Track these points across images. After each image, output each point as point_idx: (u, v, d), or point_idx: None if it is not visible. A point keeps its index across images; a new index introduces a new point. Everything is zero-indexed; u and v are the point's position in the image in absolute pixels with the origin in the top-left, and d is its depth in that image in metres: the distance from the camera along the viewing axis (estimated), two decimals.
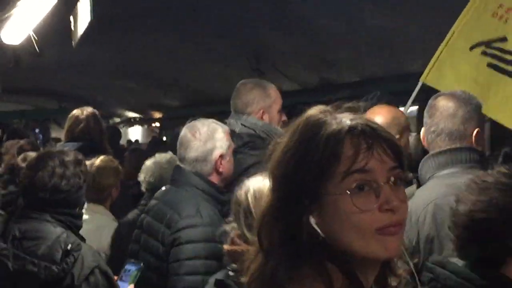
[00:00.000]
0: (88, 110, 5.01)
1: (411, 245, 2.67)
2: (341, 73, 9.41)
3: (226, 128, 3.39)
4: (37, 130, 19.61)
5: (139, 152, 7.11)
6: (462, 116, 2.89)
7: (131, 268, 3.41)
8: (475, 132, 2.90)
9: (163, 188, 3.49)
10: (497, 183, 2.09)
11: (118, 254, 3.60)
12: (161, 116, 17.05)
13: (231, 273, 2.38)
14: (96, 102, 14.58)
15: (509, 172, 2.14)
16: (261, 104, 3.66)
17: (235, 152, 3.39)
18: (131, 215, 3.56)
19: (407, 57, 7.64)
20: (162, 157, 4.38)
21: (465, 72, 3.96)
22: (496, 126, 3.76)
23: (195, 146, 3.27)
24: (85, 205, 4.39)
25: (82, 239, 3.30)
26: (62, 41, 6.95)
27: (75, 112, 4.99)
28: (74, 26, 6.08)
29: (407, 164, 1.45)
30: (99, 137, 4.99)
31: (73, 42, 6.26)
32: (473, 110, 2.93)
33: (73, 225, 3.26)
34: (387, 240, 1.36)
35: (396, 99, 4.13)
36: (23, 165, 3.78)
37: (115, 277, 3.33)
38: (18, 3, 5.79)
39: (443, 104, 2.94)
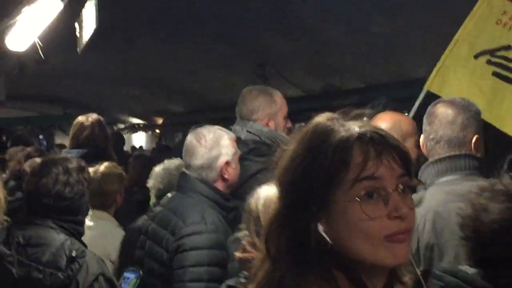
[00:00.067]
0: (93, 116, 5.01)
1: (411, 253, 2.66)
2: (345, 80, 9.41)
3: (232, 135, 3.39)
4: (41, 137, 19.67)
5: (144, 159, 7.12)
6: (461, 123, 2.89)
7: (130, 276, 3.41)
8: (474, 138, 2.90)
9: (169, 194, 3.49)
10: None
11: (127, 261, 3.60)
12: (161, 122, 17.09)
13: (242, 280, 2.38)
14: (100, 108, 14.61)
15: None
16: (267, 111, 3.66)
17: (241, 159, 3.39)
18: (140, 221, 3.56)
19: (411, 63, 7.64)
20: (171, 163, 4.37)
21: (469, 80, 3.96)
22: (499, 133, 3.76)
23: (200, 153, 3.27)
24: (90, 212, 4.42)
25: (85, 245, 3.30)
26: (66, 48, 6.97)
27: (80, 118, 5.00)
28: (79, 33, 6.09)
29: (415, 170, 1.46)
30: (104, 143, 5.00)
31: (78, 49, 6.28)
32: (472, 117, 2.92)
33: (76, 232, 3.27)
34: (396, 247, 1.36)
35: (401, 106, 4.13)
36: None
37: None
38: (23, 10, 5.81)
39: (442, 111, 2.94)
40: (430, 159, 2.90)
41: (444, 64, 4.05)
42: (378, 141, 1.38)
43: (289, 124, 3.77)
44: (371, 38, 7.49)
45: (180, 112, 15.10)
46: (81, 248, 3.18)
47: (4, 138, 14.05)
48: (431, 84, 4.09)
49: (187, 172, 3.33)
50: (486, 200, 2.13)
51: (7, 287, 3.07)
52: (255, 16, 7.54)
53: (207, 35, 8.62)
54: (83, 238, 3.51)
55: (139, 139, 18.93)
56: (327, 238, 1.37)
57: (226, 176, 3.28)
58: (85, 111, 5.73)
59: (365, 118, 3.49)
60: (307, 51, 8.63)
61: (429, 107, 3.04)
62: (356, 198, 1.35)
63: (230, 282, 2.54)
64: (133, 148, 16.24)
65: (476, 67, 3.94)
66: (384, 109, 3.96)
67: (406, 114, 3.87)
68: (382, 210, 1.35)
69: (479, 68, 3.93)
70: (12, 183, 5.85)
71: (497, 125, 3.97)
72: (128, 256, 3.48)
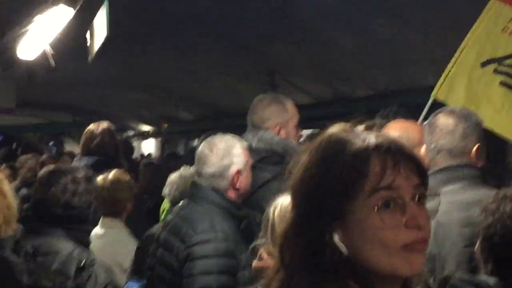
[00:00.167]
0: (103, 125, 5.04)
1: None
2: (354, 87, 9.41)
3: (244, 143, 3.39)
4: (51, 144, 19.73)
5: (153, 167, 7.14)
6: (461, 133, 2.88)
7: (133, 286, 3.42)
8: (475, 148, 2.89)
9: (181, 203, 3.50)
10: None
11: (140, 268, 3.62)
12: (164, 130, 17.14)
13: None
14: (109, 115, 14.65)
15: None
16: (278, 120, 3.66)
17: (252, 167, 3.40)
18: (155, 228, 3.58)
19: (421, 71, 7.63)
20: (187, 171, 4.39)
21: (476, 89, 3.96)
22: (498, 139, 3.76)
23: (212, 162, 3.28)
24: (100, 220, 4.43)
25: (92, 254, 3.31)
26: (76, 56, 7.00)
27: (91, 127, 5.03)
28: (90, 42, 6.12)
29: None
30: (113, 151, 5.02)
31: (89, 57, 6.30)
32: (472, 126, 2.91)
33: (84, 241, 3.27)
34: (412, 257, 1.36)
35: (410, 113, 4.13)
36: None
37: None
38: (35, 19, 5.84)
39: (443, 121, 2.94)
40: (432, 169, 2.90)
41: (450, 73, 4.05)
42: (395, 151, 1.39)
43: (300, 132, 3.78)
44: (381, 46, 7.49)
45: (186, 120, 15.12)
46: (90, 257, 3.19)
47: (14, 145, 14.10)
48: (438, 93, 4.09)
49: (199, 180, 3.34)
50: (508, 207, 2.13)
51: None
52: (265, 24, 7.55)
53: (217, 43, 8.63)
54: (93, 246, 3.53)
55: (148, 146, 18.95)
56: (343, 248, 1.37)
57: (237, 185, 3.29)
58: (94, 118, 5.76)
59: (374, 128, 3.50)
60: (317, 58, 8.64)
61: (430, 117, 3.04)
62: (374, 208, 1.35)
63: None
64: (142, 155, 16.26)
65: (483, 76, 3.94)
66: (395, 116, 3.96)
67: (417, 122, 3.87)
68: (399, 220, 1.36)
69: (486, 77, 3.93)
70: (23, 190, 5.88)
71: (504, 134, 3.97)
72: (142, 263, 3.50)
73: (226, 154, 3.28)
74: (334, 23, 7.20)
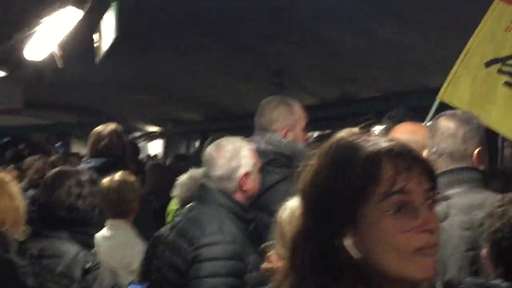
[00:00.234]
0: (111, 126, 5.04)
1: None
2: (361, 88, 9.41)
3: (253, 146, 3.39)
4: (57, 144, 19.78)
5: (160, 168, 7.15)
6: (462, 136, 2.88)
7: None
8: (476, 151, 2.89)
9: (188, 205, 3.50)
10: None
11: (149, 269, 3.62)
12: (165, 131, 17.18)
13: None
14: (115, 116, 14.66)
15: None
16: (286, 122, 3.67)
17: (260, 170, 3.40)
18: (164, 229, 3.59)
19: (427, 72, 7.63)
20: (197, 172, 4.39)
21: (481, 90, 3.96)
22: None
23: (220, 164, 3.28)
24: (107, 222, 4.44)
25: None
26: (84, 57, 7.01)
27: (98, 128, 5.03)
28: (98, 43, 6.13)
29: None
30: (121, 153, 5.02)
31: (96, 59, 6.31)
32: (473, 129, 2.91)
33: (88, 243, 3.28)
34: (424, 261, 1.37)
35: (417, 115, 4.13)
36: None
37: None
38: (43, 20, 5.85)
39: (444, 125, 2.93)
40: None
41: (455, 75, 4.05)
42: (407, 156, 1.39)
43: (308, 135, 3.78)
44: (388, 47, 7.49)
45: (191, 120, 15.13)
46: (96, 259, 3.20)
47: (21, 146, 14.12)
48: (444, 95, 4.09)
49: (207, 182, 3.34)
50: None
51: None
52: (271, 26, 7.55)
53: (224, 44, 8.64)
54: (101, 248, 3.54)
55: (154, 147, 18.97)
56: (355, 252, 1.37)
57: (245, 187, 3.28)
58: (100, 119, 5.76)
59: (376, 133, 3.49)
60: (323, 59, 8.64)
61: (432, 121, 3.04)
62: (386, 212, 1.36)
63: None
64: (149, 156, 16.28)
65: (487, 76, 3.94)
66: (402, 118, 3.96)
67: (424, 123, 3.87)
68: (411, 224, 1.36)
69: (490, 77, 3.93)
70: (31, 192, 5.88)
71: (509, 135, 3.97)
72: (150, 265, 3.50)
73: (234, 157, 3.27)
74: (340, 24, 7.20)
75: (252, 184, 3.30)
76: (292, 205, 2.36)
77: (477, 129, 2.92)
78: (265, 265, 2.47)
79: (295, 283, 1.41)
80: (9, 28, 6.98)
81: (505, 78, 3.90)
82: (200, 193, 3.38)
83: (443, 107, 3.83)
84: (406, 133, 3.18)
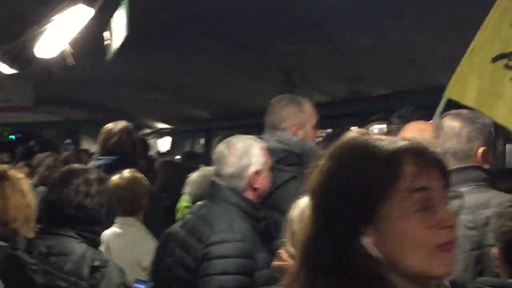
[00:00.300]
0: (121, 123, 5.05)
1: None
2: (371, 86, 9.40)
3: (264, 144, 3.39)
4: (67, 141, 19.84)
5: (172, 165, 7.15)
6: (466, 135, 2.88)
7: (140, 287, 3.43)
8: (480, 150, 2.88)
9: (199, 203, 3.51)
10: None
11: (160, 267, 3.63)
12: (171, 130, 17.21)
13: None
14: (126, 113, 14.69)
15: None
16: (296, 120, 3.67)
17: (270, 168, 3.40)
18: (175, 227, 3.60)
19: (437, 70, 7.61)
20: (208, 170, 4.41)
21: (488, 86, 3.95)
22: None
23: (230, 162, 3.29)
24: (117, 219, 4.46)
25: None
26: (94, 54, 7.03)
27: (109, 126, 5.04)
28: (109, 41, 6.14)
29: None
30: (131, 150, 5.03)
31: (107, 56, 6.33)
32: (478, 128, 2.91)
33: (95, 242, 3.30)
34: (445, 257, 1.39)
35: (427, 113, 4.12)
36: None
37: None
38: (54, 18, 5.87)
39: (448, 124, 2.93)
40: None
41: (462, 72, 4.04)
42: (426, 153, 1.41)
43: (318, 132, 3.79)
44: (397, 45, 7.48)
45: (197, 119, 15.16)
46: (104, 257, 3.22)
47: (32, 143, 14.18)
48: (451, 92, 4.08)
49: (218, 180, 3.35)
50: None
51: None
52: (282, 25, 7.55)
53: (234, 42, 8.65)
54: (113, 245, 3.55)
55: (164, 144, 19.00)
56: (375, 251, 1.37)
57: (256, 185, 3.29)
58: (111, 116, 5.77)
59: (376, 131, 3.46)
60: (334, 58, 8.63)
61: (437, 120, 3.04)
62: (410, 209, 1.37)
63: None
64: (158, 153, 16.31)
65: (494, 72, 3.93)
66: (410, 117, 3.96)
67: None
68: (434, 220, 1.38)
69: (497, 73, 3.92)
70: (41, 188, 5.90)
71: None
72: (161, 262, 3.51)
73: (244, 155, 3.28)
74: (351, 22, 7.19)
75: (262, 182, 3.31)
76: (302, 203, 2.37)
77: (482, 129, 2.92)
78: (275, 263, 2.47)
79: (307, 282, 1.41)
80: (19, 26, 7.01)
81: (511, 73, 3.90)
82: (210, 191, 3.39)
83: (452, 105, 3.82)
84: (416, 132, 3.18)
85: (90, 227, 3.25)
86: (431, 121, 3.77)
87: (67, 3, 5.51)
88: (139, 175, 4.57)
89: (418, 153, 1.40)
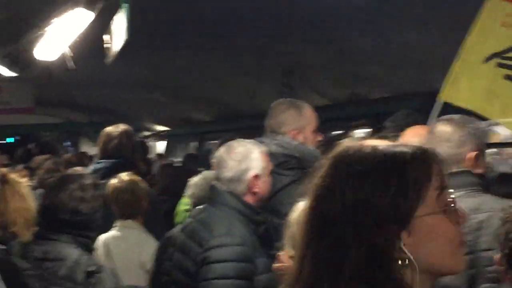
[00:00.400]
0: (121, 127, 5.04)
1: None
2: (371, 89, 9.39)
3: (264, 148, 3.39)
4: (67, 143, 19.84)
5: (172, 167, 7.15)
6: (457, 140, 2.87)
7: None
8: (471, 155, 2.87)
9: (199, 206, 3.51)
10: None
11: (159, 270, 3.63)
12: (165, 132, 17.22)
13: None
14: (126, 115, 14.70)
15: None
16: (296, 124, 3.67)
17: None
18: (175, 230, 3.60)
19: (438, 73, 7.61)
20: (210, 173, 4.40)
21: (481, 86, 3.97)
22: None
23: (230, 166, 3.28)
24: (117, 223, 4.46)
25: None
26: (94, 56, 7.03)
27: (108, 129, 5.03)
28: (109, 44, 6.14)
29: None
30: (131, 153, 5.03)
31: (107, 60, 6.33)
32: (469, 133, 2.90)
33: (89, 247, 3.31)
34: (462, 253, 1.45)
35: (423, 117, 4.12)
36: None
37: None
38: (53, 21, 5.88)
39: (440, 129, 2.94)
40: None
41: (455, 74, 4.06)
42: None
43: (319, 137, 3.78)
44: (398, 47, 7.48)
45: (206, 121, 15.16)
46: (98, 263, 3.23)
47: (31, 145, 14.18)
48: (445, 95, 4.10)
49: (217, 184, 3.35)
50: None
51: None
52: (282, 25, 7.55)
53: (234, 44, 8.65)
54: (116, 249, 3.55)
55: (163, 146, 18.99)
56: (408, 254, 1.38)
57: (255, 190, 3.28)
58: (110, 118, 5.77)
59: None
60: (333, 60, 8.63)
61: (431, 126, 3.05)
62: (441, 209, 1.41)
63: None
64: (158, 155, 16.31)
65: (486, 72, 3.96)
66: (406, 120, 3.97)
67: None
68: (458, 217, 1.43)
69: (490, 72, 3.94)
70: (40, 190, 5.90)
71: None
72: (161, 266, 3.52)
73: (244, 159, 3.28)
74: (351, 24, 7.19)
75: (262, 187, 3.30)
76: (301, 207, 2.37)
77: (473, 133, 2.91)
78: (276, 265, 2.48)
79: (311, 284, 1.40)
80: (19, 28, 7.01)
81: (505, 71, 3.92)
82: (210, 195, 3.39)
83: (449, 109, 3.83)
84: (415, 136, 3.19)
85: (84, 232, 3.27)
86: (427, 124, 3.78)
87: (67, 6, 5.51)
88: (135, 179, 4.57)
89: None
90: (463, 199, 2.69)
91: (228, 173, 3.29)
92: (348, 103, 9.94)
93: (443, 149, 2.85)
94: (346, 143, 1.48)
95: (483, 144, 2.95)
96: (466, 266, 1.45)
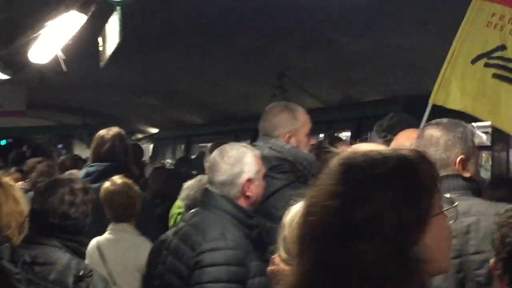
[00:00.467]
0: (114, 130, 5.04)
1: None
2: (363, 91, 9.41)
3: (257, 152, 3.38)
4: (60, 146, 19.79)
5: (164, 171, 7.13)
6: (444, 144, 2.88)
7: None
8: (459, 159, 2.88)
9: (192, 210, 3.51)
10: None
11: (152, 273, 3.62)
12: (154, 135, 17.19)
13: None
14: (119, 118, 14.70)
15: None
16: (289, 128, 3.67)
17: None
18: (168, 234, 3.59)
19: (430, 76, 7.63)
20: (204, 177, 4.40)
21: (471, 87, 4.01)
22: None
23: (222, 169, 3.28)
24: (110, 226, 4.46)
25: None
26: (87, 59, 7.04)
27: (101, 132, 5.03)
28: (102, 47, 6.15)
29: None
30: (123, 157, 5.02)
31: (101, 62, 6.33)
32: (457, 137, 2.90)
33: (79, 252, 3.31)
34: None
35: (419, 119, 4.14)
36: None
37: None
38: (47, 24, 5.88)
39: (428, 133, 2.95)
40: None
41: (444, 76, 4.10)
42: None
43: (313, 141, 3.78)
44: (391, 50, 7.50)
45: (199, 124, 15.15)
46: (88, 267, 3.23)
47: (24, 148, 14.15)
48: (436, 98, 4.13)
49: (210, 188, 3.35)
50: None
51: None
52: (275, 28, 7.56)
53: (227, 47, 8.66)
54: (112, 252, 3.53)
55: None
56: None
57: (248, 194, 3.28)
58: (103, 120, 5.77)
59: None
60: (326, 62, 8.65)
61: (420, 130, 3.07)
62: (441, 208, 1.47)
63: None
64: (150, 158, 16.26)
65: (475, 73, 4.00)
66: (393, 125, 3.98)
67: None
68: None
69: (478, 73, 3.99)
70: (32, 193, 5.88)
71: (505, 128, 4.01)
72: (154, 269, 3.51)
73: (237, 162, 3.28)
74: (343, 27, 7.21)
75: (255, 190, 3.30)
76: (296, 210, 2.37)
77: (461, 137, 2.91)
78: (269, 268, 2.48)
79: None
80: (13, 31, 7.01)
81: (493, 70, 3.96)
82: (203, 198, 3.39)
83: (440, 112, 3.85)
84: (408, 140, 3.20)
85: (74, 237, 3.27)
86: (418, 128, 3.79)
87: (60, 9, 5.51)
88: (127, 181, 4.57)
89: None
90: None
91: (221, 176, 3.29)
92: (340, 106, 9.95)
93: (431, 153, 2.86)
94: (343, 149, 1.50)
95: (471, 148, 2.96)
96: (454, 270, 1.47)
